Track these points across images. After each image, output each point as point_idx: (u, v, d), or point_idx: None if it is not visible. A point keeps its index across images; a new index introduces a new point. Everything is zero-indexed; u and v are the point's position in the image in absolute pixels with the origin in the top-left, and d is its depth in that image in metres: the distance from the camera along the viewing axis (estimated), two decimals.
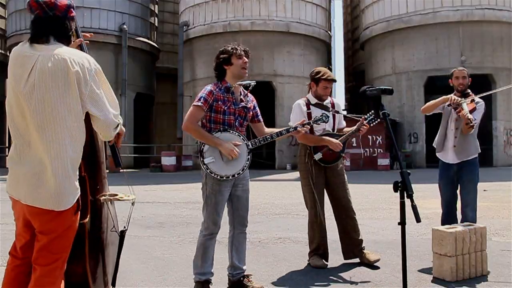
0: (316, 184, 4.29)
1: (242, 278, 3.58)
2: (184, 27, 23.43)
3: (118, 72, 22.90)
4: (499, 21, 20.44)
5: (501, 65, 20.38)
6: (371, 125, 4.23)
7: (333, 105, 4.42)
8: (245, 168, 3.44)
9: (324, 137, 4.24)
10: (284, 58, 21.80)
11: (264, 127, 3.71)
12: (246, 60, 3.49)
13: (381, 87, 2.86)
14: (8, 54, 24.42)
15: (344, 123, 4.56)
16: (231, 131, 3.43)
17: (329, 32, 24.62)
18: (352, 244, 4.35)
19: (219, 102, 3.42)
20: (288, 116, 4.75)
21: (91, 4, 21.92)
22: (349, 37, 34.61)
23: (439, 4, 20.56)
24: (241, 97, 3.57)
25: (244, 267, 3.63)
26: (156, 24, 27.56)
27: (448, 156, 4.46)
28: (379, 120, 4.18)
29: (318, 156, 4.25)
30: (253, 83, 3.52)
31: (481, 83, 20.94)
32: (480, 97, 4.44)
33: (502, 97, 20.27)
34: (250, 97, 3.69)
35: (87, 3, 21.44)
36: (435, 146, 4.60)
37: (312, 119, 3.88)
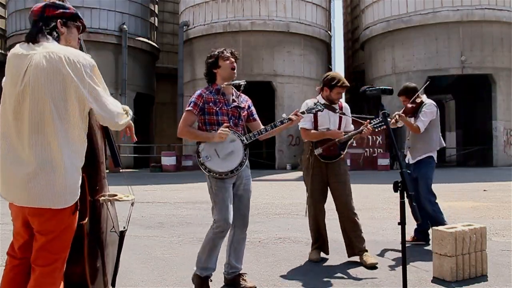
0: (313, 179, 4.38)
1: (236, 277, 3.61)
2: (184, 27, 23.43)
3: (118, 72, 22.87)
4: (499, 21, 20.41)
5: (501, 65, 20.35)
6: (376, 130, 4.33)
7: (341, 107, 4.48)
8: (242, 163, 3.44)
9: (325, 131, 4.35)
10: (284, 58, 21.78)
11: (261, 125, 3.71)
12: (234, 60, 3.52)
13: (381, 87, 2.87)
14: (8, 54, 24.44)
15: (352, 127, 4.59)
16: None
17: (329, 32, 24.60)
18: (351, 244, 4.39)
19: (210, 104, 3.47)
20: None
21: (91, 4, 21.90)
22: (349, 37, 34.60)
23: (439, 4, 20.53)
24: (233, 97, 3.59)
25: (241, 267, 3.65)
26: (156, 24, 27.55)
27: (407, 156, 5.07)
28: (384, 127, 4.22)
29: (318, 151, 4.33)
30: (243, 82, 3.53)
31: (481, 83, 20.96)
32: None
33: (502, 97, 20.25)
34: (244, 97, 3.71)
35: (87, 3, 21.43)
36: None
37: (318, 121, 3.90)
